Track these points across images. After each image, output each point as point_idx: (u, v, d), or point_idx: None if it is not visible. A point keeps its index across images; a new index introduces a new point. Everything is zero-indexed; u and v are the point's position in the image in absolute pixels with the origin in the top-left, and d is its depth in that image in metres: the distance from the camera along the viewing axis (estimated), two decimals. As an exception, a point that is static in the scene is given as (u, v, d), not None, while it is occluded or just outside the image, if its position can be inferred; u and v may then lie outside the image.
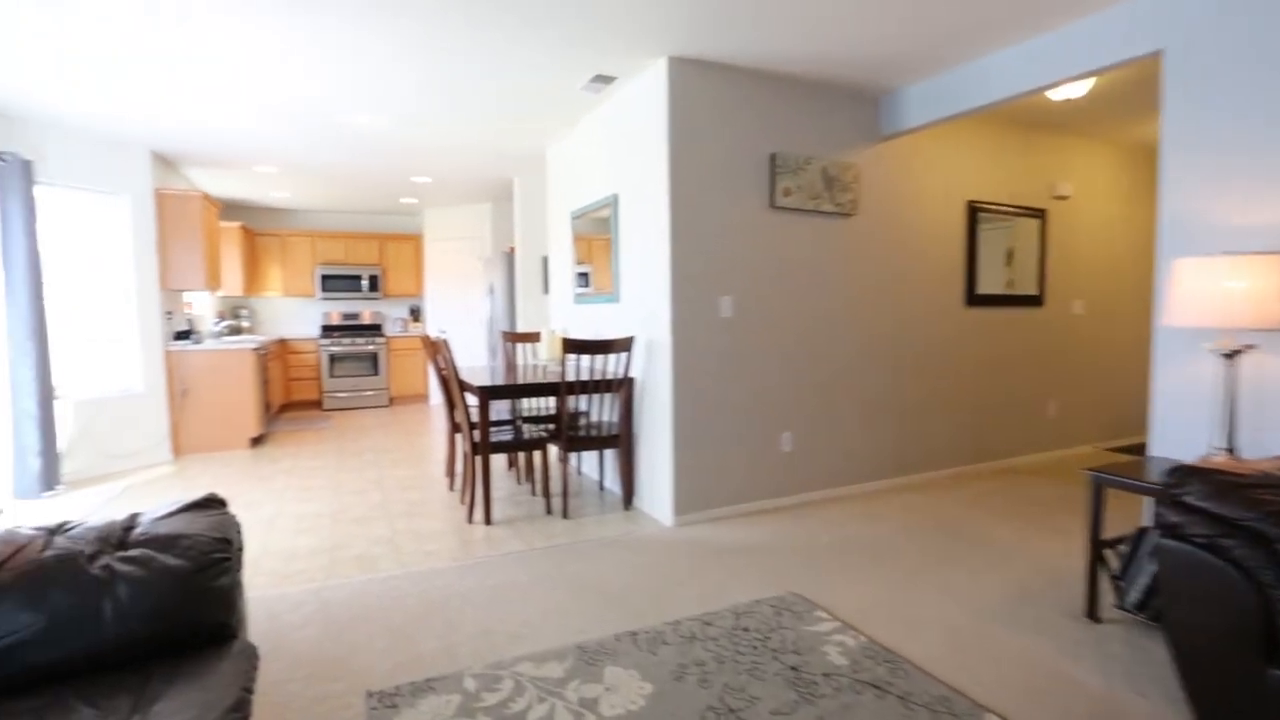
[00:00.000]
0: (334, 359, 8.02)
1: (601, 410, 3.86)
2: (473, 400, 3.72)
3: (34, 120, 4.50)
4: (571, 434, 3.77)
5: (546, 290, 6.38)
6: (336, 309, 8.58)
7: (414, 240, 8.67)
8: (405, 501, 4.12)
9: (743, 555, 3.18)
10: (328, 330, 8.34)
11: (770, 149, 3.79)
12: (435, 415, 7.61)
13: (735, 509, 3.79)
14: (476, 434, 3.61)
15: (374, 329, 8.55)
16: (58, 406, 4.50)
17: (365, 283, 8.45)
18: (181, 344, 5.62)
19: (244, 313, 7.99)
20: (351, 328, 8.49)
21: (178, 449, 5.52)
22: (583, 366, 4.36)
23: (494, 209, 7.93)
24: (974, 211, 4.57)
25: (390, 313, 8.92)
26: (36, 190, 4.35)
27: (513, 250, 7.01)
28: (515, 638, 2.40)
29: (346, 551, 3.28)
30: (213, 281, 5.89)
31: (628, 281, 4.03)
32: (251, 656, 1.55)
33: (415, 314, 8.97)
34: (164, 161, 5.57)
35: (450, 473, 4.50)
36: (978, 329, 4.68)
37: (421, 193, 7.24)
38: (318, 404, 8.12)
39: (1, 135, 4.31)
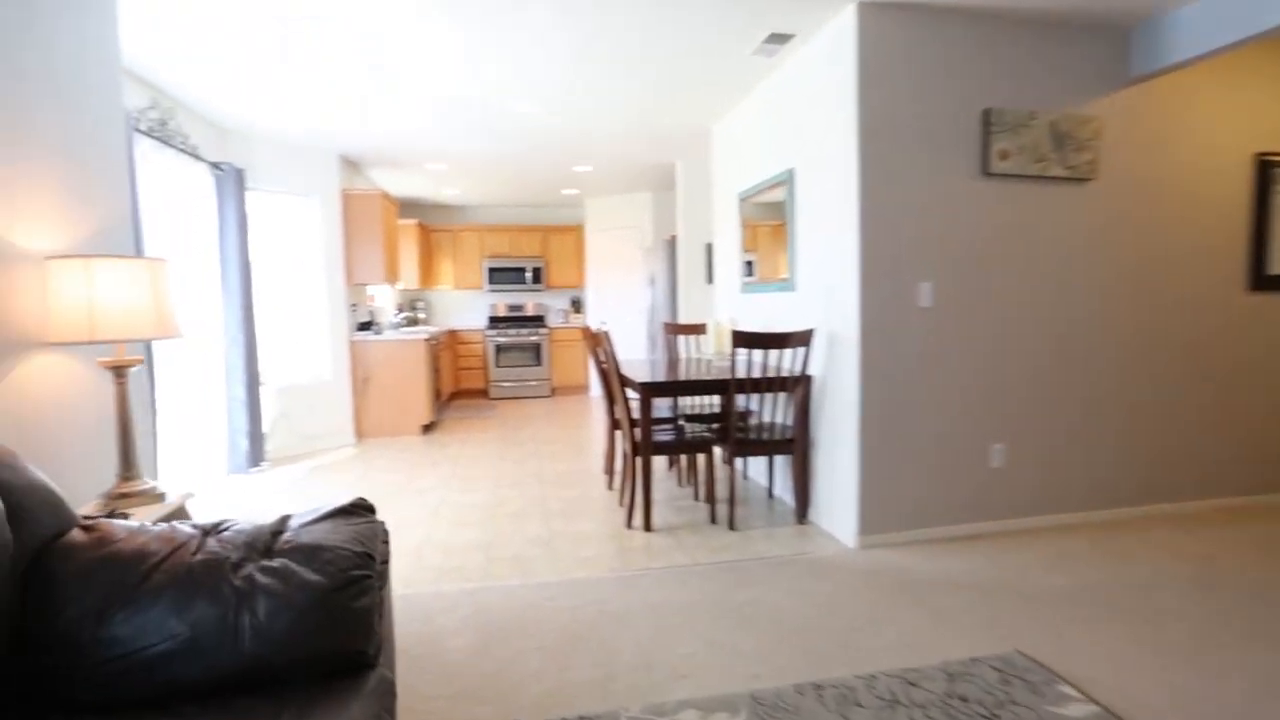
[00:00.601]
0: (499, 349, 8.28)
1: (774, 411, 3.44)
2: (633, 396, 3.46)
3: (244, 133, 4.94)
4: (740, 436, 3.40)
5: (710, 279, 6.03)
6: (502, 300, 8.88)
7: (575, 231, 8.73)
8: (562, 499, 3.98)
9: (948, 593, 2.62)
10: (494, 321, 8.63)
11: (982, 104, 3.14)
12: (595, 407, 7.58)
13: (932, 532, 3.20)
14: (637, 432, 3.35)
15: (537, 320, 8.73)
16: (262, 392, 4.92)
17: (529, 275, 8.64)
18: (363, 334, 5.98)
19: (420, 305, 8.50)
20: (516, 319, 8.73)
21: (360, 433, 5.89)
22: (753, 362, 3.96)
23: (654, 197, 7.73)
24: (1265, 166, 3.53)
25: (552, 304, 9.07)
26: (247, 196, 4.76)
27: (674, 238, 6.74)
28: (678, 674, 2.08)
29: (503, 550, 3.17)
30: (391, 276, 6.22)
31: (805, 267, 3.56)
32: (386, 695, 1.35)
33: (576, 305, 9.05)
34: (349, 164, 5.94)
35: (609, 470, 4.32)
36: (1267, 319, 3.62)
37: (582, 182, 7.20)
38: (484, 393, 8.44)
39: (220, 148, 4.75)
